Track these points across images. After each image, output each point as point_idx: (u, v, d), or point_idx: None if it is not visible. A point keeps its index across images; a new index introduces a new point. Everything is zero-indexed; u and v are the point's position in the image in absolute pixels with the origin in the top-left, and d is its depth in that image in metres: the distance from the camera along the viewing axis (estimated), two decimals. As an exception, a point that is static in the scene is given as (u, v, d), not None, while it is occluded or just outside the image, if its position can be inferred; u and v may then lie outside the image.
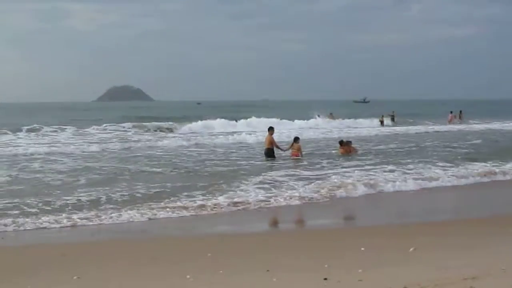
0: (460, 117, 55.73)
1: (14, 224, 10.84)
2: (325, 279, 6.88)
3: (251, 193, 14.22)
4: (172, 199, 13.31)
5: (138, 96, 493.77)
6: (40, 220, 11.15)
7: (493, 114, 67.19)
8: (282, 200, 13.70)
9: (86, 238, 10.32)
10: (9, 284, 7.32)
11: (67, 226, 10.98)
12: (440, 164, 19.73)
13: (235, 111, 76.66)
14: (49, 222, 11.07)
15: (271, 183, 15.77)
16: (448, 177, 17.20)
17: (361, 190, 15.07)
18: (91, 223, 11.20)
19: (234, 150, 25.96)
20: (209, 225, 11.63)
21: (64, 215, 11.61)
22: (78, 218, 11.39)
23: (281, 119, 46.18)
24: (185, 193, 13.96)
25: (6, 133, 32.78)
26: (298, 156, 22.35)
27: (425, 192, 15.54)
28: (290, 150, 22.64)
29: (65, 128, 36.58)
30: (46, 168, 19.22)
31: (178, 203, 12.84)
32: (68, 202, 12.96)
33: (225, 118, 46.30)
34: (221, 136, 33.28)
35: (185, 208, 12.50)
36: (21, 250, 9.44)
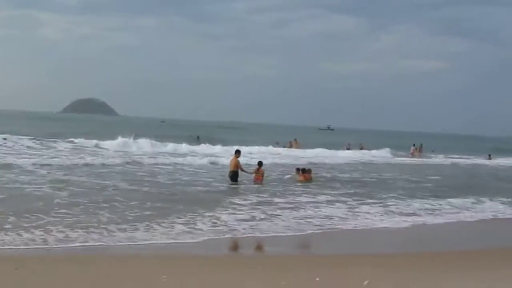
0: (419, 151, 57.06)
1: None
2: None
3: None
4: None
5: (102, 110, 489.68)
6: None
7: (456, 149, 69.01)
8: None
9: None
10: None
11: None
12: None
13: (198, 131, 76.69)
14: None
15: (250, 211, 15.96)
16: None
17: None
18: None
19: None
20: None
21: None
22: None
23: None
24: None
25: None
26: (261, 181, 22.66)
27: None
28: (253, 174, 22.94)
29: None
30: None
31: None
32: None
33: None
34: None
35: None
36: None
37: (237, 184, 21.96)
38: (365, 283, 8.69)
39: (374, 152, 50.76)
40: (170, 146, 40.18)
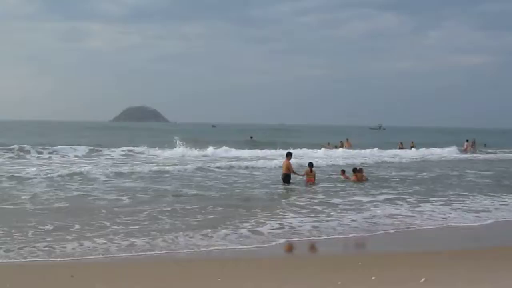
0: (473, 146, 55.86)
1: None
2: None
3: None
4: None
5: (154, 117, 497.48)
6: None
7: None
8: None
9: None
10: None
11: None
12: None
13: (252, 133, 76.65)
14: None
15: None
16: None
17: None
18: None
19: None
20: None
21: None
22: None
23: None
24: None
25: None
26: (313, 182, 22.65)
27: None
28: (305, 176, 22.89)
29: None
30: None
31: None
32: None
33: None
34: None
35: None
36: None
37: (290, 186, 21.94)
38: (422, 280, 8.58)
39: (439, 150, 49.90)
40: (233, 152, 40.71)
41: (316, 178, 23.05)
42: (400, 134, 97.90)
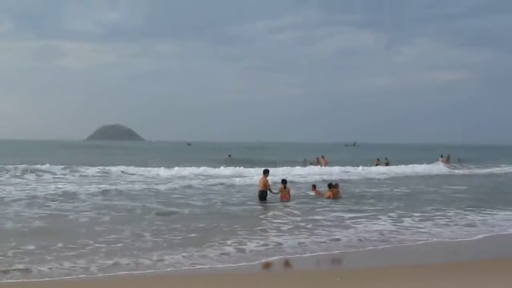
0: (447, 161, 56.75)
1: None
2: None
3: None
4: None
5: (128, 136, 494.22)
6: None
7: (481, 158, 68.41)
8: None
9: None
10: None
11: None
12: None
13: (229, 151, 76.57)
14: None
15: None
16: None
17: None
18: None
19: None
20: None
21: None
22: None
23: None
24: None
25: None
26: (288, 199, 22.58)
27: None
28: (279, 193, 22.78)
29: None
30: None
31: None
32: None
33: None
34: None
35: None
36: None
37: (266, 203, 21.85)
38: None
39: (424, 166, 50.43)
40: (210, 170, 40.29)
41: (290, 194, 22.97)
42: (374, 150, 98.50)
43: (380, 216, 18.32)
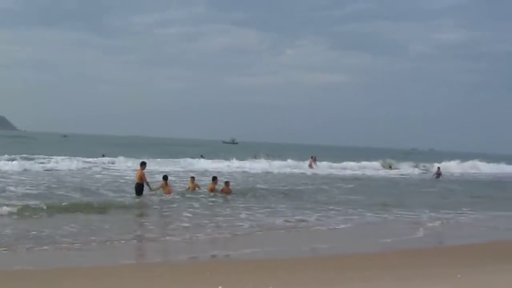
0: (315, 162, 57.64)
1: None
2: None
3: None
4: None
5: (1, 125, 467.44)
6: None
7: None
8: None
9: None
10: None
11: None
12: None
13: (104, 146, 74.96)
14: None
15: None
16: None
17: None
18: None
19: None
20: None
21: None
22: None
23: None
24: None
25: None
26: (172, 194, 22.54)
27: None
28: (162, 190, 22.74)
29: None
30: None
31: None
32: None
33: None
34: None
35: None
36: None
37: (141, 197, 21.88)
38: None
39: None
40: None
41: (173, 191, 23.06)
42: (253, 148, 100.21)
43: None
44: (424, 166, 58.96)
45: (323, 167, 52.02)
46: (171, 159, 46.78)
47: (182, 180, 28.77)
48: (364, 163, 57.57)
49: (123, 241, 13.57)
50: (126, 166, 37.32)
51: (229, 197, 23.48)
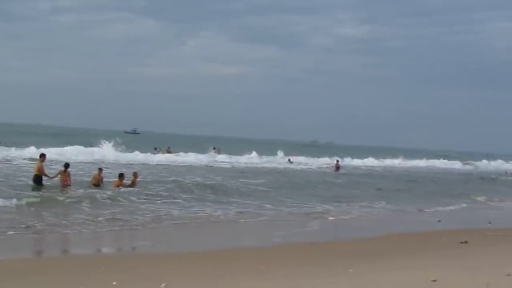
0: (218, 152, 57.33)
1: None
2: None
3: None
4: None
5: None
6: None
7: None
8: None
9: None
10: None
11: None
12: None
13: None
14: None
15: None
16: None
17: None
18: None
19: None
20: None
21: None
22: None
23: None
24: None
25: None
26: (68, 184, 21.92)
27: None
28: (59, 177, 22.08)
29: None
30: None
31: None
32: None
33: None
34: None
35: None
36: None
37: (42, 188, 21.30)
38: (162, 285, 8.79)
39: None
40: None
41: (71, 180, 22.35)
42: (155, 139, 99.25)
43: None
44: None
45: (223, 158, 52.19)
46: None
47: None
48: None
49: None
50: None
51: (134, 189, 22.74)
